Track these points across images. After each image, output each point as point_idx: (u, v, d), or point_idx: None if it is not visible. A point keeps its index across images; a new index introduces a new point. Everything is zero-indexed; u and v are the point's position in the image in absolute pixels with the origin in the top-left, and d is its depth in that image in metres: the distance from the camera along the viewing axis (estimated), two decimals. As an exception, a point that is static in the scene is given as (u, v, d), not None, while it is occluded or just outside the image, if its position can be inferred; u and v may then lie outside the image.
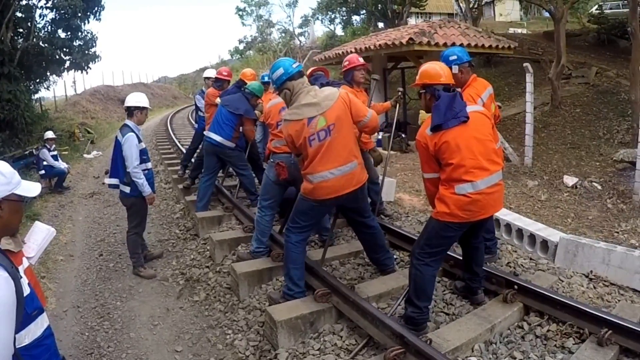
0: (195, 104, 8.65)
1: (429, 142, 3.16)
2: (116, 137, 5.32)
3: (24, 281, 1.85)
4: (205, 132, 6.03)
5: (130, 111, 5.27)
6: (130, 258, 5.53)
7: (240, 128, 6.08)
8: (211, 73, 8.01)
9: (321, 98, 3.56)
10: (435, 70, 3.33)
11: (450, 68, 4.11)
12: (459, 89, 3.52)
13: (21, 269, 2.20)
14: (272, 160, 4.65)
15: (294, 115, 3.58)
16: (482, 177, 3.08)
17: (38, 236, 2.60)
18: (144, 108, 5.31)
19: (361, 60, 5.22)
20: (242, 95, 6.13)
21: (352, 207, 3.91)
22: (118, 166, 5.25)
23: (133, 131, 5.14)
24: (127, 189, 5.24)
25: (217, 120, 6.03)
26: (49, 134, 10.16)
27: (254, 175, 6.54)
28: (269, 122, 4.97)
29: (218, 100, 6.73)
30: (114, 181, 5.33)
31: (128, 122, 5.26)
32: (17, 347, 1.76)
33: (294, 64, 3.70)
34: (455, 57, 4.12)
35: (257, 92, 6.17)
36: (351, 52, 12.61)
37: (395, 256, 4.63)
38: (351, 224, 4.19)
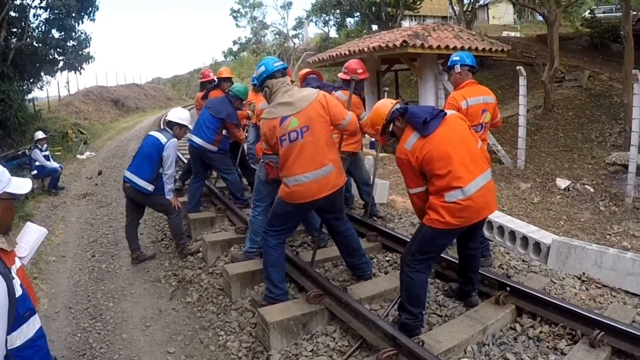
0: None
1: (410, 157, 3.08)
2: (149, 136, 5.44)
3: (16, 282, 1.83)
4: (188, 135, 6.00)
5: (171, 125, 5.43)
6: (178, 241, 5.55)
7: (224, 131, 6.05)
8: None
9: (297, 98, 3.55)
10: (381, 104, 3.36)
11: (453, 67, 4.30)
12: None
13: (13, 269, 2.18)
14: (262, 160, 4.65)
15: (269, 113, 3.61)
16: (470, 180, 3.02)
17: (30, 237, 2.58)
18: (184, 126, 5.49)
19: (365, 72, 5.13)
20: (225, 98, 6.13)
21: (329, 210, 3.86)
22: (144, 164, 5.26)
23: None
24: (149, 188, 5.25)
25: (200, 123, 5.99)
26: (39, 134, 10.07)
27: (239, 179, 6.51)
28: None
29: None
30: (135, 178, 5.26)
31: (169, 130, 5.43)
32: (8, 348, 1.76)
33: (276, 62, 3.71)
34: (457, 58, 4.33)
35: (240, 95, 6.17)
36: (345, 54, 12.65)
37: (387, 258, 4.65)
38: (326, 226, 4.08)
